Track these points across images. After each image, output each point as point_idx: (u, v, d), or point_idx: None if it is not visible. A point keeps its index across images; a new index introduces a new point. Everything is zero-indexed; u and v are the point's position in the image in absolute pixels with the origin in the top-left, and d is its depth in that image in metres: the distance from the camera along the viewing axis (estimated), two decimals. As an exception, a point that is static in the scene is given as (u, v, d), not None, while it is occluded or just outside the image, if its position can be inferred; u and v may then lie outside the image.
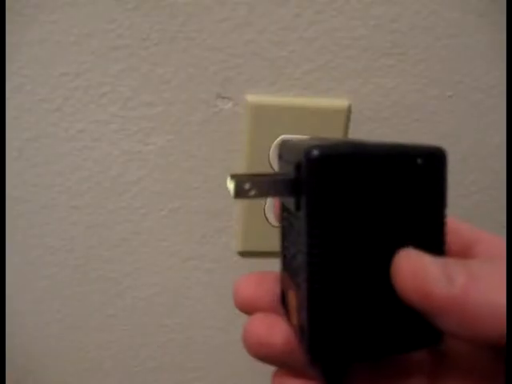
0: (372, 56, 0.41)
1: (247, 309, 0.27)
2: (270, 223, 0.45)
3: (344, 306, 0.18)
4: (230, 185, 0.19)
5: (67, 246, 0.45)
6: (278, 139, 0.42)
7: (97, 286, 0.46)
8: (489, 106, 0.44)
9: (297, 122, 0.41)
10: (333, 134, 0.42)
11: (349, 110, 0.42)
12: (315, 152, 0.17)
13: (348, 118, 0.42)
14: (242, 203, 0.44)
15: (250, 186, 0.19)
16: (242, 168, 0.43)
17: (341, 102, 0.42)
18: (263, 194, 0.19)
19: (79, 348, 0.49)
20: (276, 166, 0.43)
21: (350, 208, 0.18)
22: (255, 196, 0.19)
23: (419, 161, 0.18)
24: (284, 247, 0.22)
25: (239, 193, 0.18)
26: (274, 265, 0.50)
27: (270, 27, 0.39)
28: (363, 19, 0.39)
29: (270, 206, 0.44)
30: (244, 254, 0.46)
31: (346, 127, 0.43)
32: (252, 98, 0.41)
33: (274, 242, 0.45)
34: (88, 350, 0.49)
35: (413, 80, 0.42)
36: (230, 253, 0.46)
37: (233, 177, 0.19)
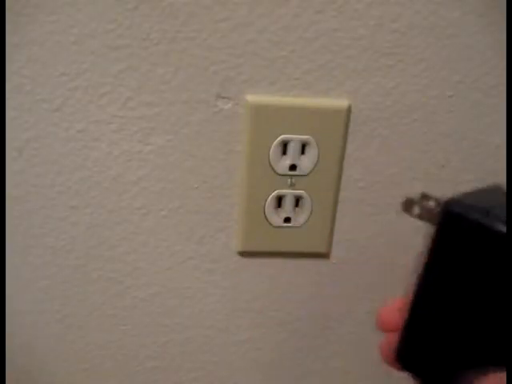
0: (372, 56, 0.41)
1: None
2: (270, 223, 0.45)
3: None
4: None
5: (67, 246, 0.45)
6: (277, 139, 0.42)
7: (97, 286, 0.46)
8: (489, 106, 0.44)
9: (297, 121, 0.41)
10: (333, 134, 0.42)
11: (349, 110, 0.42)
12: (454, 208, 0.19)
13: (348, 118, 0.42)
14: (242, 203, 0.44)
15: (419, 210, 0.21)
16: (242, 168, 0.43)
17: (341, 102, 0.42)
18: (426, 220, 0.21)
19: (79, 348, 0.49)
20: (276, 166, 0.44)
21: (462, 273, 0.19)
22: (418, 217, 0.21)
23: None
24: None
25: (406, 209, 0.22)
26: (274, 265, 0.50)
27: (270, 27, 0.39)
28: (363, 19, 0.39)
29: (270, 205, 0.44)
30: (244, 254, 0.46)
31: (346, 127, 0.43)
32: (252, 98, 0.41)
33: (273, 242, 0.46)
34: (88, 350, 0.49)
35: (413, 80, 0.42)
36: (230, 253, 0.46)
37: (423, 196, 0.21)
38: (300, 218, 0.45)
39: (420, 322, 0.21)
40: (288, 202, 0.44)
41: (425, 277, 0.20)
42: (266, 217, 0.44)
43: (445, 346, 0.20)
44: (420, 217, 0.21)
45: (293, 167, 0.43)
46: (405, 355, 0.22)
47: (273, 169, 0.42)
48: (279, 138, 0.42)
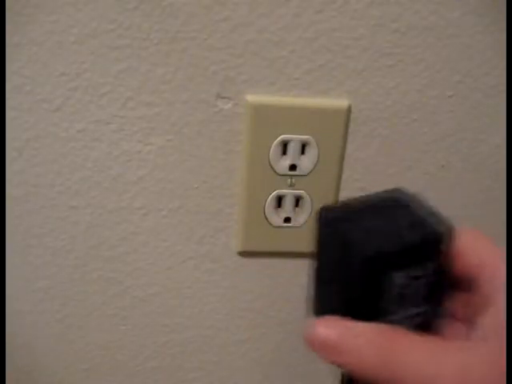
0: (372, 56, 0.41)
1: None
2: (270, 223, 0.45)
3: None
4: None
5: (67, 246, 0.45)
6: (277, 139, 0.42)
7: (97, 286, 0.46)
8: (489, 106, 0.44)
9: (297, 121, 0.41)
10: (333, 134, 0.42)
11: (349, 110, 0.42)
12: (322, 213, 0.27)
13: (348, 118, 0.42)
14: (242, 203, 0.44)
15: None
16: (242, 168, 0.43)
17: (341, 102, 0.42)
18: None
19: (79, 348, 0.49)
20: (276, 166, 0.44)
21: None
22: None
23: None
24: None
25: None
26: (274, 265, 0.50)
27: (270, 27, 0.39)
28: (363, 19, 0.39)
29: (270, 205, 0.44)
30: (244, 253, 0.46)
31: (346, 127, 0.43)
32: (252, 98, 0.41)
33: (273, 242, 0.46)
34: (88, 350, 0.49)
35: (413, 80, 0.42)
36: (230, 253, 0.46)
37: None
38: (300, 218, 0.45)
39: (320, 290, 0.29)
40: (288, 202, 0.44)
41: (315, 261, 0.28)
42: (266, 217, 0.44)
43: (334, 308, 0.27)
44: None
45: (293, 167, 0.43)
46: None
47: (273, 169, 0.42)
48: (279, 138, 0.42)
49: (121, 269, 0.46)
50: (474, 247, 0.26)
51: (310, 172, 0.43)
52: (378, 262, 0.25)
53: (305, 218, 0.45)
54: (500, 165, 0.46)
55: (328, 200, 0.45)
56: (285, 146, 0.42)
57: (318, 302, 0.29)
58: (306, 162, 0.43)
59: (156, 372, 0.51)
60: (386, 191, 0.29)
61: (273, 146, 0.42)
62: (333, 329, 0.23)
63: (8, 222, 0.43)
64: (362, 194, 0.45)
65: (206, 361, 0.51)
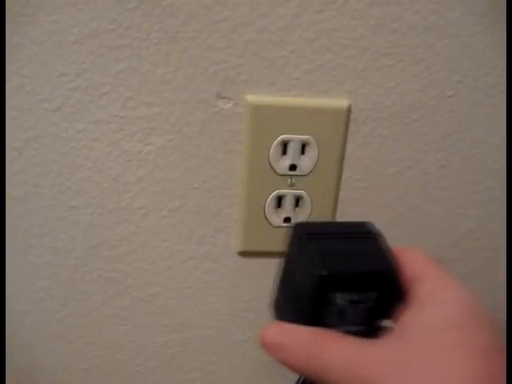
0: (372, 56, 0.41)
1: None
2: (270, 223, 0.45)
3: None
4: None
5: (67, 246, 0.45)
6: (277, 139, 0.42)
7: (97, 286, 0.46)
8: (489, 106, 0.44)
9: (297, 121, 0.41)
10: (333, 134, 0.42)
11: (349, 110, 0.42)
12: (295, 228, 0.31)
13: (348, 118, 0.42)
14: (242, 203, 0.44)
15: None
16: (242, 168, 0.43)
17: (341, 102, 0.42)
18: None
19: (79, 348, 0.49)
20: (276, 166, 0.44)
21: None
22: None
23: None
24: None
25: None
26: (274, 265, 0.50)
27: (270, 27, 0.39)
28: (363, 19, 0.39)
29: (270, 205, 0.44)
30: (244, 253, 0.46)
31: (346, 127, 0.43)
32: (252, 98, 0.41)
33: (273, 242, 0.46)
34: (88, 350, 0.49)
35: (413, 80, 0.42)
36: (230, 253, 0.46)
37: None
38: (300, 218, 0.45)
39: (280, 295, 0.34)
40: (288, 202, 0.44)
41: (283, 267, 0.33)
42: (266, 217, 0.44)
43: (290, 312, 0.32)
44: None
45: (293, 167, 0.43)
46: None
47: (273, 169, 0.42)
48: (279, 138, 0.42)
49: (121, 269, 0.46)
50: (412, 265, 0.30)
51: (310, 172, 0.43)
52: (328, 281, 0.29)
53: (305, 218, 0.45)
54: (500, 165, 0.46)
55: (328, 200, 0.45)
56: (285, 146, 0.42)
57: (277, 307, 0.34)
58: (306, 162, 0.43)
59: (156, 372, 0.51)
60: (356, 222, 0.34)
61: (273, 146, 0.42)
62: (277, 331, 0.28)
63: (8, 222, 0.43)
64: (362, 193, 0.46)
65: (205, 361, 0.51)
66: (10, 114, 0.39)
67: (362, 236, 0.32)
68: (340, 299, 0.29)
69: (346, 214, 0.46)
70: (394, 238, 0.51)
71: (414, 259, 0.30)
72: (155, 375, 0.51)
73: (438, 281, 0.28)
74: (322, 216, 0.45)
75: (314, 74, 0.41)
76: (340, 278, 0.29)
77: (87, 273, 0.46)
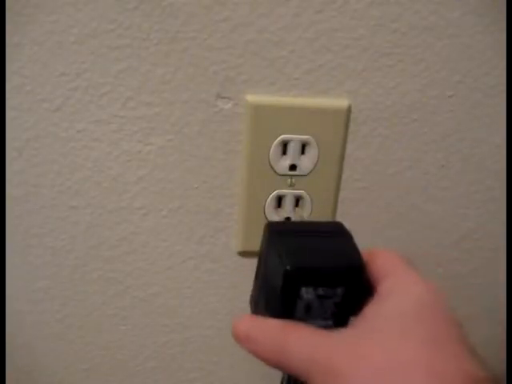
0: (372, 56, 0.41)
1: None
2: (270, 223, 0.45)
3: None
4: None
5: (67, 246, 0.45)
6: (277, 139, 0.42)
7: (97, 286, 0.46)
8: (489, 106, 0.44)
9: (297, 121, 0.41)
10: (333, 134, 0.42)
11: (349, 110, 0.42)
12: (270, 225, 0.33)
13: (348, 118, 0.42)
14: (242, 203, 0.44)
15: None
16: (242, 168, 0.43)
17: (341, 102, 0.42)
18: None
19: (79, 348, 0.49)
20: (276, 166, 0.44)
21: None
22: None
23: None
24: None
25: None
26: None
27: (270, 27, 0.39)
28: (363, 19, 0.39)
29: (270, 205, 0.44)
30: (244, 254, 0.46)
31: (346, 127, 0.43)
32: (252, 98, 0.41)
33: (274, 242, 0.45)
34: (88, 350, 0.49)
35: (413, 80, 0.42)
36: (230, 253, 0.46)
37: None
38: (300, 219, 0.45)
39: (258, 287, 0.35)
40: (288, 202, 0.44)
41: (257, 265, 0.34)
42: (266, 217, 0.44)
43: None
44: None
45: (293, 167, 0.43)
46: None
47: (273, 169, 0.42)
48: (279, 138, 0.42)
49: (121, 269, 0.46)
50: (383, 263, 0.31)
51: (310, 172, 0.43)
52: (294, 275, 0.30)
53: (305, 218, 0.45)
54: (500, 165, 0.46)
55: (328, 200, 0.45)
56: (285, 146, 0.42)
57: (253, 302, 0.35)
58: (306, 162, 0.43)
59: (156, 372, 0.51)
60: (328, 221, 0.37)
61: (273, 146, 0.42)
62: (247, 323, 0.30)
63: (8, 222, 0.43)
64: (362, 193, 0.46)
65: (205, 361, 0.51)
66: (9, 114, 0.39)
67: (331, 235, 0.34)
68: (307, 294, 0.30)
69: (346, 214, 0.46)
70: (394, 238, 0.51)
71: (385, 258, 0.31)
72: (155, 375, 0.51)
73: (401, 277, 0.29)
74: (322, 216, 0.45)
75: (314, 73, 0.41)
76: (306, 272, 0.30)
77: (87, 273, 0.46)
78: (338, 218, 0.46)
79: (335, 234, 0.34)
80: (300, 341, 0.27)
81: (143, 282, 0.47)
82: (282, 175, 0.43)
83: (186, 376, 0.52)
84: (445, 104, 0.43)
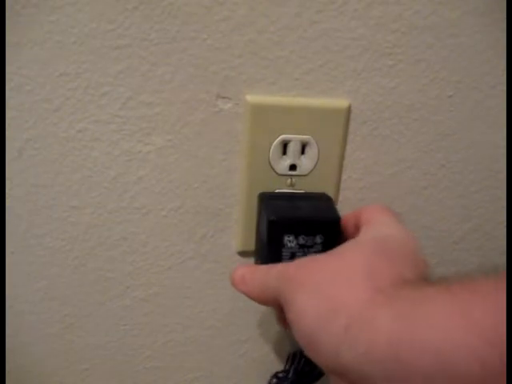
0: (372, 56, 0.41)
1: None
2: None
3: None
4: None
5: (67, 246, 0.45)
6: (278, 139, 0.42)
7: (97, 286, 0.46)
8: (489, 106, 0.44)
9: (297, 122, 0.41)
10: (333, 134, 0.42)
11: (349, 110, 0.42)
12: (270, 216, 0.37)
13: (348, 118, 0.42)
14: (242, 203, 0.44)
15: None
16: (242, 168, 0.43)
17: (341, 102, 0.42)
18: None
19: (79, 348, 0.49)
20: (276, 166, 0.44)
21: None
22: None
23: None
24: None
25: None
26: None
27: (270, 27, 0.39)
28: (363, 19, 0.39)
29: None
30: (244, 253, 0.46)
31: (346, 127, 0.43)
32: (252, 98, 0.41)
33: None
34: (88, 350, 0.49)
35: (413, 80, 0.42)
36: (230, 253, 0.46)
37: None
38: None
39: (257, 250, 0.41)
40: (288, 202, 0.44)
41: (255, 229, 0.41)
42: (266, 217, 0.44)
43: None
44: None
45: (293, 167, 0.43)
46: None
47: (273, 169, 0.42)
48: (279, 138, 0.42)
49: (121, 269, 0.46)
50: (367, 213, 0.36)
51: (310, 172, 0.43)
52: (277, 225, 0.36)
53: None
54: (500, 165, 0.46)
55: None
56: (285, 146, 0.42)
57: (255, 258, 0.42)
58: (305, 162, 0.43)
59: (156, 372, 0.51)
60: (315, 192, 0.42)
61: (273, 146, 0.42)
62: (242, 269, 0.35)
63: (8, 222, 0.43)
64: (362, 193, 0.46)
65: (206, 361, 0.51)
66: (9, 114, 0.39)
67: (314, 197, 0.40)
68: (290, 242, 0.36)
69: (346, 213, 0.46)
70: (394, 238, 0.50)
71: (369, 210, 0.35)
72: (155, 375, 0.51)
73: (377, 223, 0.33)
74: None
75: (314, 74, 0.41)
76: (287, 222, 0.36)
77: (87, 273, 0.46)
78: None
79: (318, 199, 0.40)
80: (276, 273, 0.31)
81: (143, 282, 0.47)
82: (282, 175, 0.43)
83: (185, 376, 0.52)
84: (445, 104, 0.43)
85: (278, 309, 0.32)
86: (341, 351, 0.24)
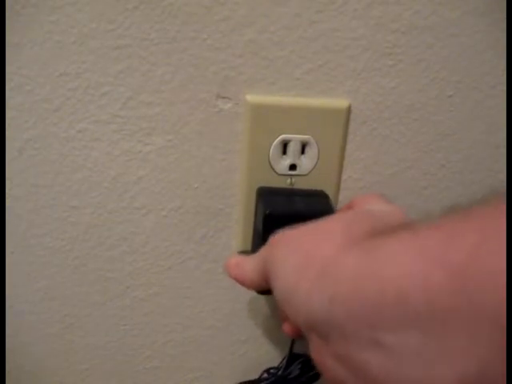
0: (372, 56, 0.41)
1: None
2: (270, 223, 0.45)
3: None
4: None
5: (67, 246, 0.45)
6: (277, 139, 0.42)
7: (97, 286, 0.46)
8: (489, 106, 0.44)
9: (297, 121, 0.41)
10: (333, 134, 0.42)
11: (349, 110, 0.42)
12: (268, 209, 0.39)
13: (348, 118, 0.42)
14: (242, 203, 0.44)
15: None
16: (242, 168, 0.43)
17: (341, 102, 0.42)
18: None
19: (79, 348, 0.49)
20: (276, 166, 0.44)
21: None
22: None
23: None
24: None
25: None
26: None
27: (270, 27, 0.39)
28: (363, 19, 0.39)
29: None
30: (244, 254, 0.46)
31: (346, 127, 0.43)
32: (252, 98, 0.41)
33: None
34: (88, 350, 0.49)
35: (413, 80, 0.42)
36: (230, 253, 0.46)
37: None
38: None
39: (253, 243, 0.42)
40: (288, 202, 0.44)
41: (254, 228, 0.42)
42: (266, 217, 0.44)
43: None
44: None
45: (293, 167, 0.43)
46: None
47: (273, 169, 0.42)
48: (279, 138, 0.42)
49: (121, 269, 0.46)
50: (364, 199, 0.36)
51: (310, 172, 0.43)
52: (272, 218, 0.37)
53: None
54: (500, 165, 0.46)
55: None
56: (285, 145, 0.42)
57: (251, 247, 0.43)
58: (305, 162, 0.43)
59: (156, 372, 0.51)
60: (312, 189, 0.42)
61: (273, 145, 0.42)
62: (237, 258, 0.35)
63: (8, 222, 0.43)
64: (362, 193, 0.46)
65: (206, 361, 0.51)
66: (9, 114, 0.39)
67: (311, 195, 0.41)
68: None
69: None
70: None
71: (362, 195, 0.36)
72: (155, 375, 0.51)
73: (365, 203, 0.34)
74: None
75: (314, 73, 0.41)
76: (282, 215, 0.37)
77: (87, 273, 0.46)
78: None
79: (314, 195, 0.41)
80: (263, 248, 0.32)
81: (143, 282, 0.47)
82: (282, 175, 0.43)
83: (185, 376, 0.52)
84: (445, 104, 0.43)
85: (283, 318, 0.33)
86: (311, 299, 0.24)
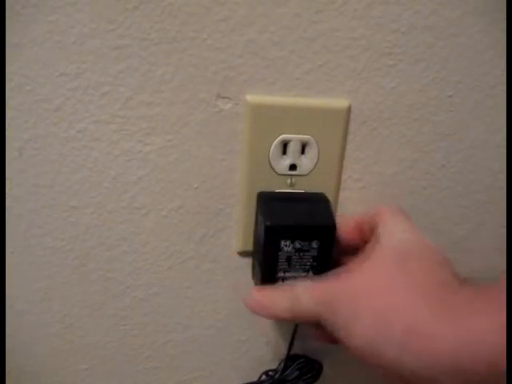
0: (372, 56, 0.41)
1: None
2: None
3: None
4: None
5: (67, 246, 0.45)
6: (277, 139, 0.42)
7: (97, 286, 0.46)
8: (489, 106, 0.44)
9: (297, 121, 0.41)
10: (333, 134, 0.42)
11: (349, 110, 0.42)
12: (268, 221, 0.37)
13: (348, 118, 0.42)
14: (242, 203, 0.44)
15: None
16: (241, 168, 0.43)
17: (341, 102, 0.42)
18: None
19: (79, 348, 0.49)
20: (276, 166, 0.44)
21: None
22: None
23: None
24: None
25: None
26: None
27: (270, 27, 0.39)
28: (363, 19, 0.39)
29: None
30: (244, 253, 0.46)
31: (346, 127, 0.43)
32: (252, 98, 0.41)
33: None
34: (88, 350, 0.49)
35: (413, 80, 0.42)
36: (230, 253, 0.46)
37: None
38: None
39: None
40: (288, 202, 0.44)
41: (254, 236, 0.41)
42: (265, 217, 0.44)
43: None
44: None
45: (293, 167, 0.43)
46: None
47: (273, 169, 0.42)
48: (279, 138, 0.42)
49: (121, 269, 0.46)
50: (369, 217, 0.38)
51: (310, 172, 0.43)
52: (273, 230, 0.36)
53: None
54: (500, 165, 0.46)
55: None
56: (285, 145, 0.42)
57: (252, 264, 0.43)
58: (306, 162, 0.43)
59: (156, 372, 0.51)
60: (312, 192, 0.42)
61: (273, 145, 0.42)
62: (255, 294, 0.36)
63: (8, 222, 0.43)
64: (362, 193, 0.46)
65: (205, 361, 0.51)
66: (9, 114, 0.39)
67: (311, 200, 0.40)
68: (286, 246, 0.36)
69: (346, 214, 0.46)
70: (394, 238, 0.50)
71: (379, 210, 0.37)
72: (155, 375, 0.51)
73: (390, 225, 0.35)
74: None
75: (314, 73, 0.41)
76: (283, 228, 0.37)
77: (87, 273, 0.46)
78: (338, 218, 0.46)
79: (315, 200, 0.40)
80: (307, 290, 0.33)
81: (143, 282, 0.47)
82: (282, 175, 0.43)
83: (185, 376, 0.52)
84: (445, 104, 0.43)
85: (314, 326, 0.35)
86: (402, 357, 0.27)
